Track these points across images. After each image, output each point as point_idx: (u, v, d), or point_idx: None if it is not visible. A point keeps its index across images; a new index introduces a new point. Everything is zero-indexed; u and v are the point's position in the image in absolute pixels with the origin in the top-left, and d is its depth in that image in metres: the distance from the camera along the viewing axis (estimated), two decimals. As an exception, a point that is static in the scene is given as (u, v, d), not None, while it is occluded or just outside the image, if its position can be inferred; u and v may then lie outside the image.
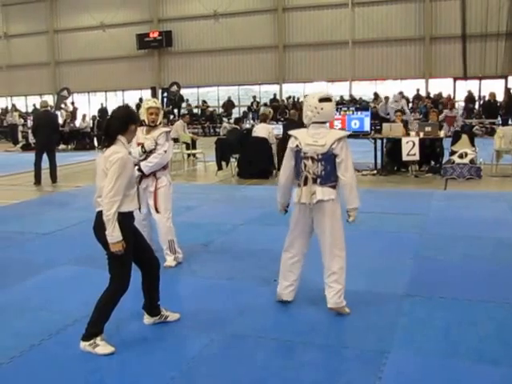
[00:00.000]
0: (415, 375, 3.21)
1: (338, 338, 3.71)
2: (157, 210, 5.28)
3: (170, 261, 5.29)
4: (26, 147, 19.15)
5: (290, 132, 4.09)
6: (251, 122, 21.63)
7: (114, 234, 3.36)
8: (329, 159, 3.90)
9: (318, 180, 3.93)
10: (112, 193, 3.34)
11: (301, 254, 4.16)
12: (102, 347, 3.48)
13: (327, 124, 4.08)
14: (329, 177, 3.94)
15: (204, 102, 27.19)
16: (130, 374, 3.30)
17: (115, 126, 3.55)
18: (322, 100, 3.93)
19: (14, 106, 27.24)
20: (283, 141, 11.36)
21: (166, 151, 5.24)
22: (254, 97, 26.01)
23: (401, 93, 20.70)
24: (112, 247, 3.40)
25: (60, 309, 4.30)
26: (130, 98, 29.33)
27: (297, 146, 3.98)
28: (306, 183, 3.93)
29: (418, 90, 22.97)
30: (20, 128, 22.86)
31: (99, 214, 3.45)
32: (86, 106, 29.29)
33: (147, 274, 3.81)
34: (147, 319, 3.94)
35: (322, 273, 4.08)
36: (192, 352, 3.58)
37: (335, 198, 3.97)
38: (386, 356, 3.40)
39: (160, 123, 5.38)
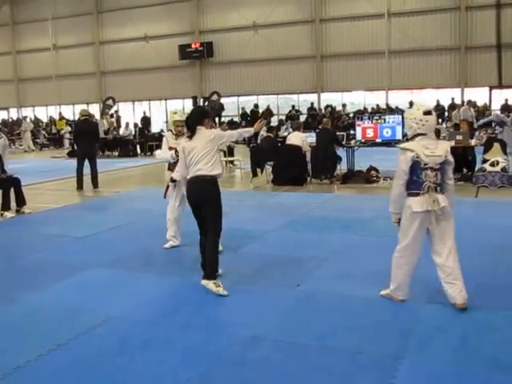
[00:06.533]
0: (428, 382, 3.23)
1: (353, 343, 3.72)
2: None
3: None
4: (72, 154, 19.83)
5: (405, 145, 4.23)
6: (290, 130, 21.68)
7: None
8: (442, 168, 4.20)
9: (438, 188, 4.19)
10: None
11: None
12: None
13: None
14: (442, 184, 4.24)
15: (243, 109, 27.46)
16: (149, 375, 3.39)
17: None
18: (425, 113, 4.20)
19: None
20: (317, 148, 11.44)
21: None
22: (293, 106, 26.09)
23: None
24: None
25: (90, 310, 4.45)
26: (173, 106, 29.93)
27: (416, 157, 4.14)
28: (428, 191, 4.16)
29: (452, 99, 22.95)
30: (67, 135, 23.72)
31: None
32: (131, 115, 29.99)
33: None
34: None
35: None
36: (209, 354, 3.64)
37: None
38: (401, 362, 3.42)
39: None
